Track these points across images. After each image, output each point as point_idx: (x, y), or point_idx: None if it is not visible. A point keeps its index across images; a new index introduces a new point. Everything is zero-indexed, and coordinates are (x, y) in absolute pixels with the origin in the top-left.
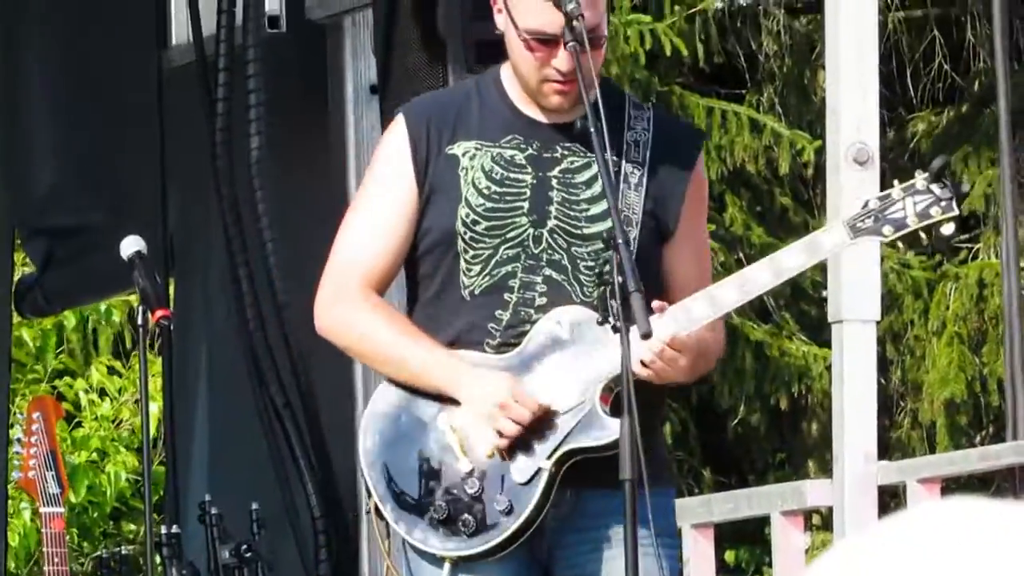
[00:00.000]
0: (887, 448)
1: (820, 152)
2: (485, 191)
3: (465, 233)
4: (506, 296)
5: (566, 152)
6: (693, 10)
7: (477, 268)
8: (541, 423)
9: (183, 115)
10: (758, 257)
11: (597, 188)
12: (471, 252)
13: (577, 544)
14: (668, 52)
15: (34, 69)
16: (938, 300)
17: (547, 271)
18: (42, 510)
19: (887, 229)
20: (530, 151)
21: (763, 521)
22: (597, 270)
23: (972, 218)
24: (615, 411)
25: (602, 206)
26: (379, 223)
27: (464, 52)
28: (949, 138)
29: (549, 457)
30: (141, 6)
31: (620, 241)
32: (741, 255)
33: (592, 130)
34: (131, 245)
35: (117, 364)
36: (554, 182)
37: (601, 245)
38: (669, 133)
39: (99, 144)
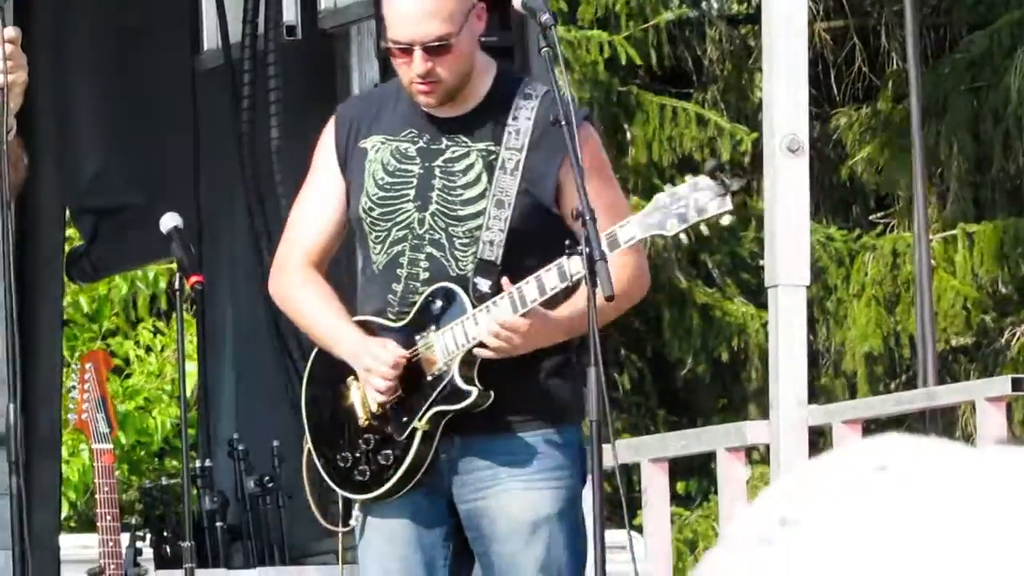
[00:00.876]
0: (815, 394)
1: (757, 143)
2: (380, 182)
3: (365, 218)
4: (398, 271)
5: (449, 143)
6: (647, 24)
7: (378, 248)
8: (415, 385)
9: (213, 110)
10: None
11: (472, 176)
12: (373, 234)
13: (471, 481)
14: (624, 61)
15: (82, 71)
16: (858, 267)
17: (428, 249)
18: (94, 446)
19: (671, 223)
20: (420, 143)
21: (710, 456)
22: (473, 248)
23: (888, 197)
24: (467, 380)
25: (477, 190)
26: (311, 208)
27: None
28: (868, 130)
29: (420, 418)
30: (176, 16)
31: (588, 218)
32: (689, 232)
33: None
34: (169, 221)
35: (160, 324)
36: (437, 171)
37: (475, 224)
38: (548, 121)
39: (139, 135)
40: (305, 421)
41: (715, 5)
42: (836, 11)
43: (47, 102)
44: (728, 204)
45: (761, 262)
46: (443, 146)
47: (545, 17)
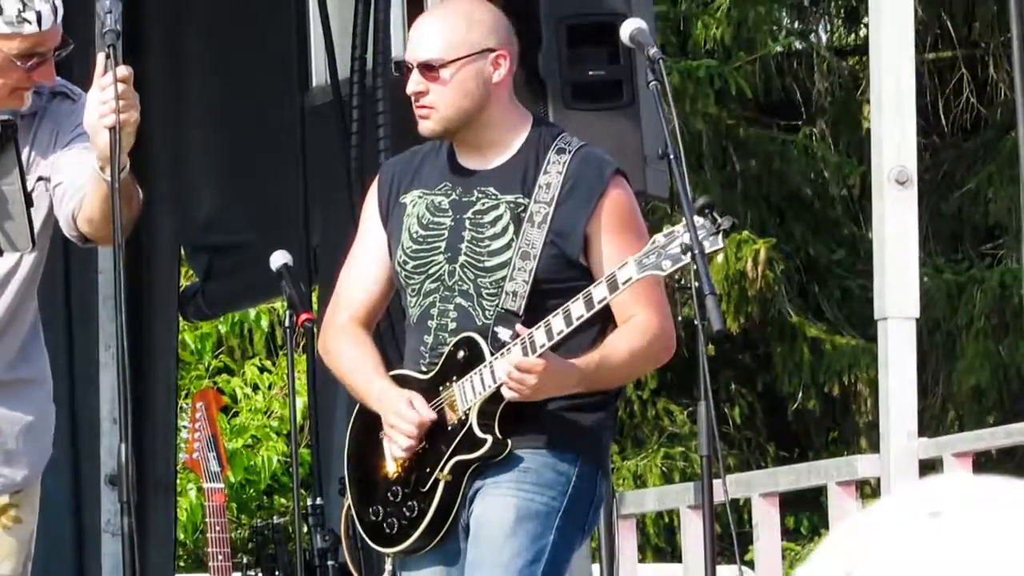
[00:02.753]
0: (925, 427)
1: (865, 175)
2: (414, 235)
3: (401, 272)
4: (429, 323)
5: (480, 195)
6: (755, 56)
7: (413, 300)
8: (438, 436)
9: (322, 147)
10: (813, 265)
11: (499, 227)
12: (408, 287)
13: (470, 500)
14: (734, 92)
15: (197, 117)
16: (966, 300)
17: (458, 299)
18: (205, 486)
19: (666, 263)
20: (453, 196)
21: (820, 490)
22: (499, 298)
23: (997, 228)
24: (484, 428)
25: (503, 242)
26: (355, 268)
27: (561, 91)
28: (976, 160)
29: (442, 469)
30: (286, 54)
31: (696, 251)
32: (799, 262)
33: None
34: (279, 258)
35: (267, 363)
36: (467, 223)
37: (501, 275)
38: (578, 175)
39: (250, 175)
40: (346, 474)
41: (823, 37)
42: (944, 42)
43: (162, 142)
44: (720, 242)
45: (870, 295)
46: (474, 198)
47: (653, 51)
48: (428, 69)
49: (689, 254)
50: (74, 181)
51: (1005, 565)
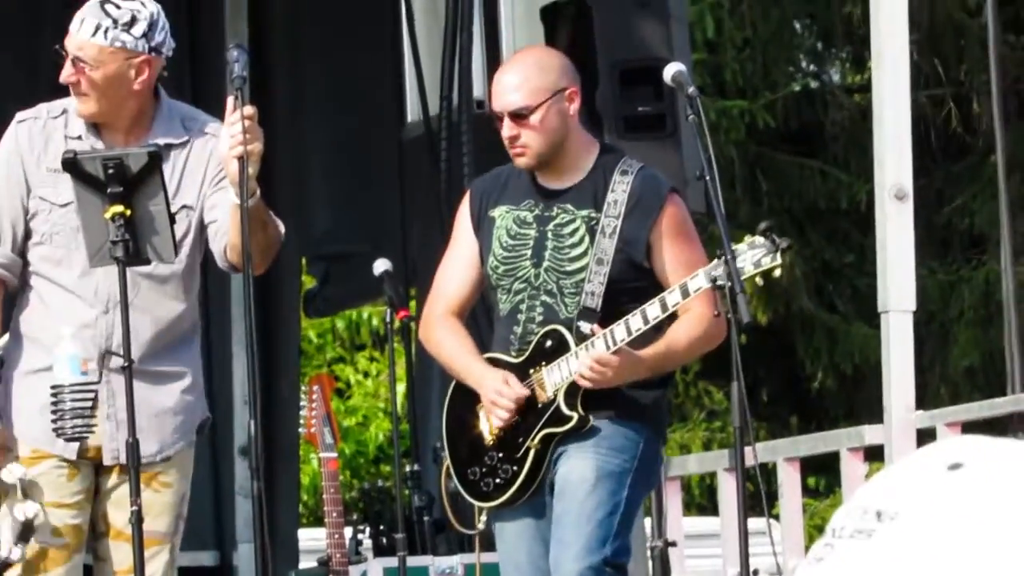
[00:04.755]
0: (922, 401)
1: (870, 192)
2: (504, 244)
3: (493, 275)
4: (518, 316)
5: (559, 211)
6: (778, 95)
7: (503, 297)
8: (529, 411)
9: (416, 173)
10: (828, 267)
11: (576, 238)
12: (499, 287)
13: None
14: (761, 125)
15: (314, 146)
16: (956, 295)
17: (543, 297)
18: (321, 455)
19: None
20: (536, 211)
21: (834, 455)
22: (578, 297)
23: (980, 237)
24: (570, 406)
25: (580, 250)
26: (451, 268)
27: (616, 124)
28: (962, 180)
29: (533, 439)
30: (386, 93)
31: (729, 256)
32: (816, 265)
33: (707, 181)
34: (381, 265)
35: (375, 353)
36: (549, 235)
37: (579, 277)
38: (640, 193)
39: (359, 196)
40: (445, 439)
41: (835, 78)
42: (934, 81)
43: (285, 169)
44: (779, 259)
45: (875, 291)
46: (554, 213)
47: (691, 90)
48: (517, 117)
49: (750, 268)
50: (225, 221)
51: (1017, 508)
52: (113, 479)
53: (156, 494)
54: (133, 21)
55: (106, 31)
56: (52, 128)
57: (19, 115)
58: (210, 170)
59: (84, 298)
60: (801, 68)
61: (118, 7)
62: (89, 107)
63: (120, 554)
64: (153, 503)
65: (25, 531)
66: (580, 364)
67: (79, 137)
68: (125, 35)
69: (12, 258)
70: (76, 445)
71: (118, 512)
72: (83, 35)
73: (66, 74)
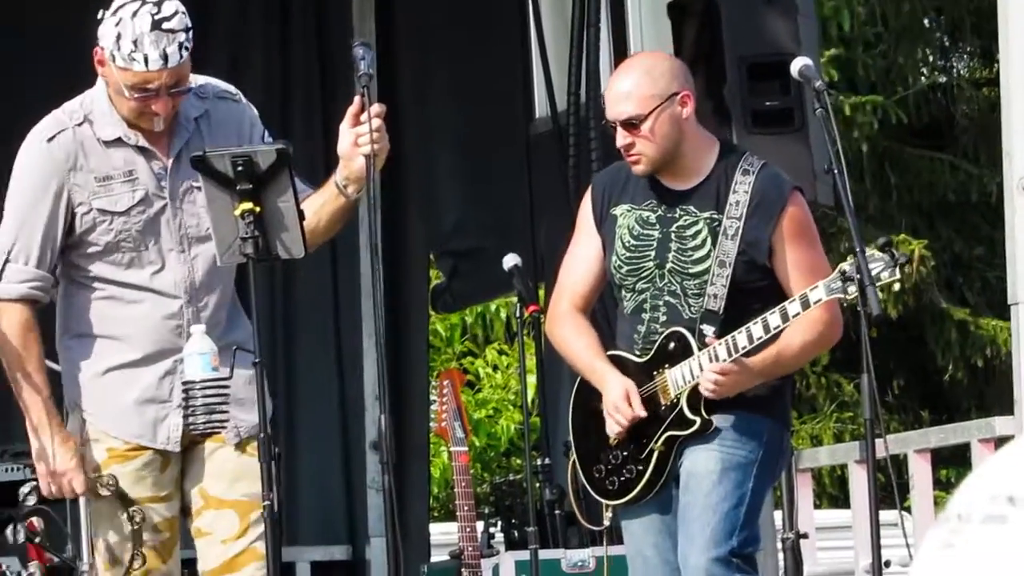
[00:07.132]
0: None
1: (1000, 185)
2: (627, 244)
3: (615, 274)
4: (642, 315)
5: (682, 212)
6: (909, 91)
7: (627, 295)
8: (653, 413)
9: (544, 168)
10: (958, 260)
11: (699, 240)
12: (622, 286)
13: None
14: (894, 120)
15: (442, 143)
16: None
17: (666, 297)
18: (452, 449)
19: (852, 288)
20: (659, 212)
21: (965, 447)
22: (701, 298)
23: None
24: (693, 410)
25: (703, 252)
26: (575, 264)
27: (744, 119)
28: None
29: (656, 441)
30: (513, 92)
31: (859, 249)
32: (946, 258)
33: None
34: (511, 260)
35: (505, 347)
36: (672, 236)
37: (703, 279)
38: (762, 193)
39: (487, 191)
40: (572, 438)
41: (964, 73)
42: None
43: (414, 164)
44: (897, 274)
45: (1005, 284)
46: (676, 215)
47: (818, 83)
48: (630, 125)
49: (867, 281)
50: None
51: None
52: (208, 448)
53: (252, 458)
54: (181, 18)
55: (182, 46)
56: (82, 136)
57: (40, 132)
58: (243, 133)
59: (163, 292)
60: (929, 62)
61: (168, 19)
62: (169, 116)
63: (224, 521)
64: (251, 467)
65: (136, 539)
66: (704, 377)
67: (119, 139)
68: (189, 38)
69: (44, 276)
70: (178, 439)
71: (217, 482)
72: (174, 62)
73: (168, 108)
